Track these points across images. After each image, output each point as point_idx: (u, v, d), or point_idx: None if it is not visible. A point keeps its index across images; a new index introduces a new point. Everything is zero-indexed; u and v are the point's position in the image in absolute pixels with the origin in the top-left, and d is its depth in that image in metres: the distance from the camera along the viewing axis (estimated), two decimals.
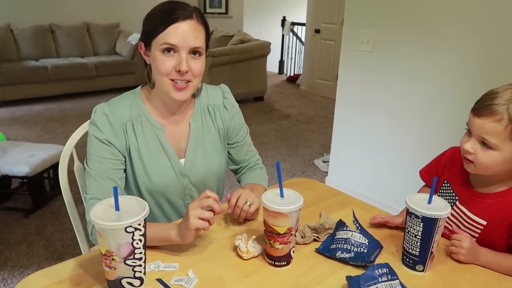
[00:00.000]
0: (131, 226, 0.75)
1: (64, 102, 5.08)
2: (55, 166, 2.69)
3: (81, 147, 1.27)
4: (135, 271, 0.80)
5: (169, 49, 0.99)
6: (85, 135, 1.31)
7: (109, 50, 5.91)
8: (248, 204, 1.04)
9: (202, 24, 1.04)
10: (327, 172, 3.17)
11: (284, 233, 0.88)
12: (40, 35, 5.33)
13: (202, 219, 0.90)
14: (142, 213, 0.77)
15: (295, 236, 0.92)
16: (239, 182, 1.30)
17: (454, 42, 2.08)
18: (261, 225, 1.07)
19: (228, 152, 1.25)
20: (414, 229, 0.88)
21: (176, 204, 1.17)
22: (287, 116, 4.85)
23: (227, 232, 1.05)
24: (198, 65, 1.03)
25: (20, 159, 2.47)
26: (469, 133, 0.96)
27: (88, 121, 1.29)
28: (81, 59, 5.45)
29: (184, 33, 0.99)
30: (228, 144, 1.24)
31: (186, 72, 1.00)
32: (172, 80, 1.02)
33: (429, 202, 0.89)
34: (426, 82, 2.25)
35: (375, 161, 2.62)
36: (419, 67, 2.26)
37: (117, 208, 0.78)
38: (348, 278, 0.82)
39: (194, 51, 1.02)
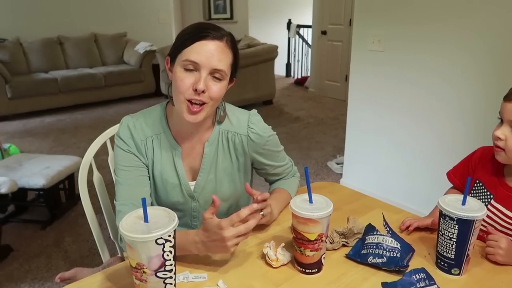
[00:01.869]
0: (161, 238, 0.74)
1: (75, 113, 5.12)
2: (70, 177, 2.70)
3: (97, 156, 1.27)
4: (166, 283, 0.78)
5: (191, 66, 0.96)
6: (103, 146, 1.31)
7: (117, 60, 5.95)
8: (261, 214, 0.99)
9: (231, 49, 1.00)
10: (341, 174, 3.13)
11: (315, 240, 0.86)
12: (49, 48, 5.38)
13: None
14: (172, 224, 0.76)
15: (326, 242, 0.90)
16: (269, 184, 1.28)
17: (469, 37, 2.05)
18: (288, 232, 1.06)
19: (258, 170, 1.22)
20: (449, 232, 0.86)
21: (184, 223, 1.17)
22: (297, 119, 4.83)
23: (253, 240, 1.04)
24: (216, 87, 0.98)
25: (35, 172, 2.48)
26: (501, 122, 0.95)
27: (105, 131, 1.30)
28: (90, 70, 5.50)
29: (208, 51, 0.95)
30: (255, 168, 1.20)
31: (203, 92, 0.96)
32: (188, 100, 0.97)
33: (463, 203, 0.86)
34: (441, 80, 2.22)
35: (391, 162, 2.58)
36: (434, 65, 2.23)
37: (146, 220, 0.77)
38: (384, 284, 0.80)
39: (215, 73, 0.97)
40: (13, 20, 5.34)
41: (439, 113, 2.26)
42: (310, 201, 0.88)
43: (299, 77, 7.14)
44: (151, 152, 1.08)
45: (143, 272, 0.76)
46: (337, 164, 3.40)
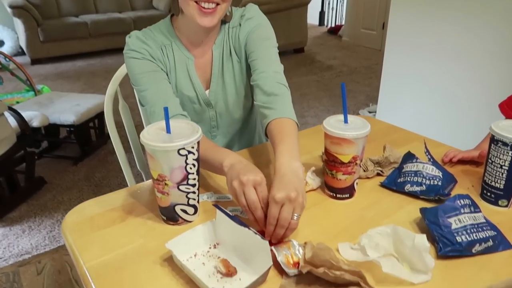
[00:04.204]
0: (184, 149, 0.69)
1: (105, 58, 5.12)
2: (100, 116, 2.72)
3: (125, 84, 1.23)
4: (188, 198, 0.75)
5: None
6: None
7: (146, 5, 5.83)
8: (295, 218, 0.69)
9: None
10: None
11: (349, 162, 0.79)
12: None
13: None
14: (195, 136, 0.71)
15: (360, 166, 0.84)
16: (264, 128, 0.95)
17: None
18: (318, 160, 1.00)
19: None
20: (500, 159, 0.77)
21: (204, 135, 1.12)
22: (329, 68, 4.65)
23: None
24: None
25: (66, 108, 2.50)
26: None
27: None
28: (119, 14, 5.42)
29: None
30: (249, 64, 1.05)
31: None
32: (197, 3, 0.92)
33: None
34: (494, 26, 2.01)
35: (430, 110, 2.44)
36: (486, 9, 2.01)
37: (168, 130, 0.72)
38: (423, 210, 0.74)
39: None
40: None
41: (489, 62, 2.07)
42: (345, 121, 0.81)
43: (333, 25, 6.81)
44: (166, 60, 1.04)
45: (165, 184, 0.72)
46: (370, 112, 3.27)
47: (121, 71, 1.28)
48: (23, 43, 4.81)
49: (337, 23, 6.79)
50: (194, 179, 0.74)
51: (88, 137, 2.72)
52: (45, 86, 3.55)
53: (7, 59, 3.50)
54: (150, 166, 0.73)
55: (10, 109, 2.07)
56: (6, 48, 5.06)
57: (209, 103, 1.09)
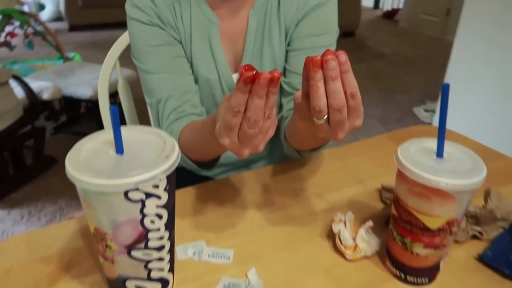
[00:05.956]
0: (137, 190, 0.37)
1: None
2: None
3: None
4: (149, 269, 0.43)
5: None
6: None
7: None
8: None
9: None
10: (429, 123, 2.60)
11: (439, 230, 0.44)
12: None
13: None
14: (164, 165, 0.39)
15: (456, 235, 0.49)
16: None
17: None
18: (374, 191, 0.65)
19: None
20: None
21: None
22: (381, 55, 4.17)
23: (317, 202, 0.65)
24: None
25: (84, 81, 2.26)
26: None
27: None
28: None
29: None
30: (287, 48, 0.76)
31: None
32: None
33: None
34: None
35: (504, 113, 1.99)
36: None
37: (119, 149, 0.41)
38: None
39: None
40: None
41: None
42: (439, 153, 0.46)
43: (390, 9, 6.21)
44: (180, 23, 0.73)
45: (106, 246, 0.41)
46: (426, 111, 2.84)
47: (122, 41, 1.01)
48: (62, 8, 4.68)
49: (394, 7, 6.18)
50: (162, 238, 0.42)
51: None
52: (77, 54, 3.38)
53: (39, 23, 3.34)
54: (84, 211, 0.42)
55: (16, 78, 1.84)
56: (47, 12, 4.95)
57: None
